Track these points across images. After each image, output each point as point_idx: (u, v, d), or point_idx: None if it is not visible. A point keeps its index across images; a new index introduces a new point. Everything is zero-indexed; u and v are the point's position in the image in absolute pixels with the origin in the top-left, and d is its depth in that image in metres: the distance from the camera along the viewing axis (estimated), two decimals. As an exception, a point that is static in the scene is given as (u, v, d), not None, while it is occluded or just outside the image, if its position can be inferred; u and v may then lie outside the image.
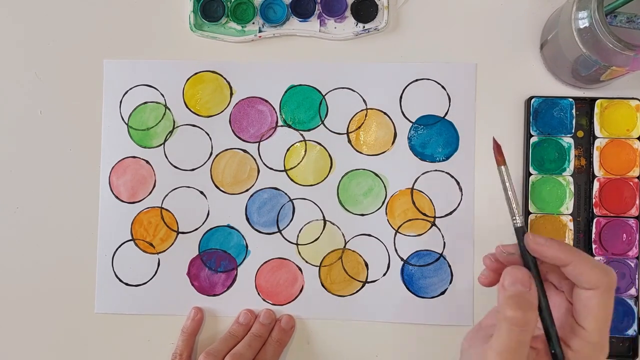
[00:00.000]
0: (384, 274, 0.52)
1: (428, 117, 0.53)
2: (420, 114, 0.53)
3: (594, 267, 0.34)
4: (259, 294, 0.53)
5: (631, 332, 0.50)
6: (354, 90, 0.53)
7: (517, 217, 0.37)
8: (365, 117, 0.53)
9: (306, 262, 0.53)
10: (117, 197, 0.54)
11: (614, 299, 0.34)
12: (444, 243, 0.52)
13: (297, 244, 0.53)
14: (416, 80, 0.53)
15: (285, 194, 0.53)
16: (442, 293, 0.52)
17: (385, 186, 0.53)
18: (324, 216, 0.53)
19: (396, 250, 0.52)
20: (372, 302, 0.52)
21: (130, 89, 0.54)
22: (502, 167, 0.38)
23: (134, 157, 0.54)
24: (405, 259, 0.52)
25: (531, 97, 0.51)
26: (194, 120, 0.54)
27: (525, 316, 0.33)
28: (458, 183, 0.52)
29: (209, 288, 0.53)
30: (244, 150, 0.54)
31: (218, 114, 0.54)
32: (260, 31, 0.53)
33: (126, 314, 0.53)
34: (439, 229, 0.52)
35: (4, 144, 0.54)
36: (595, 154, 0.51)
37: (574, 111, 0.51)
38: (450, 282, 0.52)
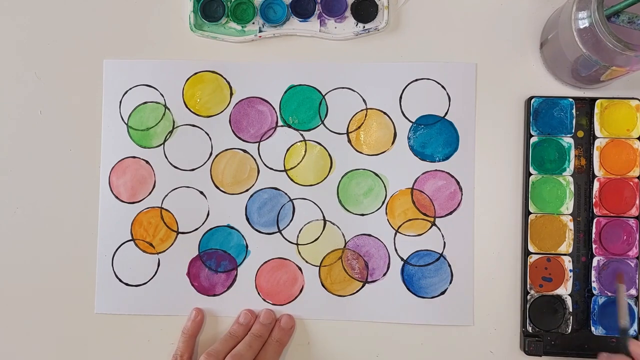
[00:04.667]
0: (384, 274, 0.52)
1: (428, 117, 0.53)
2: (420, 113, 0.53)
3: None
4: (259, 294, 0.53)
5: (631, 332, 0.50)
6: (354, 90, 0.53)
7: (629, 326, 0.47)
8: (365, 117, 0.53)
9: (306, 262, 0.53)
10: (117, 197, 0.54)
11: None
12: (444, 243, 0.52)
13: (297, 244, 0.53)
14: (416, 80, 0.53)
15: (285, 194, 0.53)
16: (442, 293, 0.52)
17: (385, 186, 0.53)
18: (324, 216, 0.53)
19: (396, 250, 0.52)
20: (372, 302, 0.52)
21: (130, 89, 0.54)
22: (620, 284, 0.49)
23: (133, 157, 0.54)
24: (405, 259, 0.52)
25: (531, 97, 0.51)
26: (194, 120, 0.54)
27: None
28: (458, 183, 0.52)
29: (209, 288, 0.53)
30: (244, 150, 0.54)
31: (218, 114, 0.54)
32: (260, 31, 0.53)
33: (126, 314, 0.53)
34: (439, 229, 0.52)
35: (4, 144, 0.54)
36: (595, 154, 0.51)
37: (574, 111, 0.51)
38: (450, 282, 0.52)
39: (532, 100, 0.51)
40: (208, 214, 0.53)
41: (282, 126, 0.53)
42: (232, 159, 0.54)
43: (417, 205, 0.53)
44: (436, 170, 0.53)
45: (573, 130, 0.51)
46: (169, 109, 0.54)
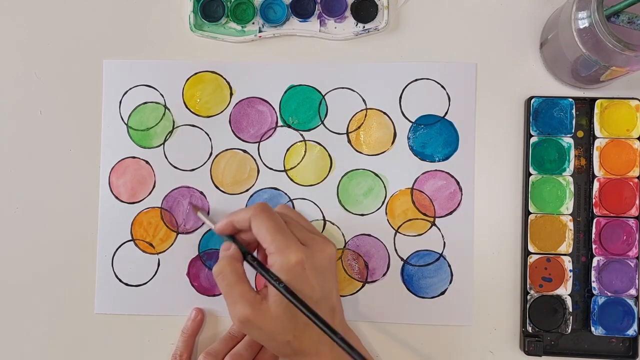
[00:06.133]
0: (384, 274, 0.52)
1: (428, 117, 0.53)
2: (420, 113, 0.53)
3: (240, 212, 0.46)
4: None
5: (631, 332, 0.50)
6: (353, 90, 0.53)
7: (213, 227, 0.49)
8: (365, 117, 0.53)
9: (306, 262, 0.53)
10: (117, 197, 0.54)
11: (268, 218, 0.44)
12: (444, 243, 0.52)
13: (297, 244, 0.53)
14: (416, 80, 0.53)
15: (285, 194, 0.53)
16: (442, 293, 0.52)
17: (385, 186, 0.53)
18: (324, 216, 0.53)
19: (396, 250, 0.52)
20: (372, 302, 0.52)
21: (130, 89, 0.54)
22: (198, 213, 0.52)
23: (133, 157, 0.54)
24: (405, 259, 0.52)
25: (531, 97, 0.51)
26: (194, 120, 0.54)
27: (218, 267, 0.45)
28: (458, 183, 0.52)
29: (208, 288, 0.53)
30: (244, 151, 0.54)
31: (218, 114, 0.54)
32: (260, 31, 0.53)
33: (126, 314, 0.53)
34: (439, 229, 0.52)
35: (4, 144, 0.54)
36: (595, 154, 0.51)
37: (574, 111, 0.51)
38: (450, 282, 0.52)
39: (532, 100, 0.51)
40: (208, 214, 0.53)
41: (282, 126, 0.53)
42: (232, 159, 0.54)
43: (417, 205, 0.53)
44: (436, 170, 0.53)
45: (573, 130, 0.51)
46: (169, 109, 0.54)
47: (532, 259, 0.51)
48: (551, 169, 0.51)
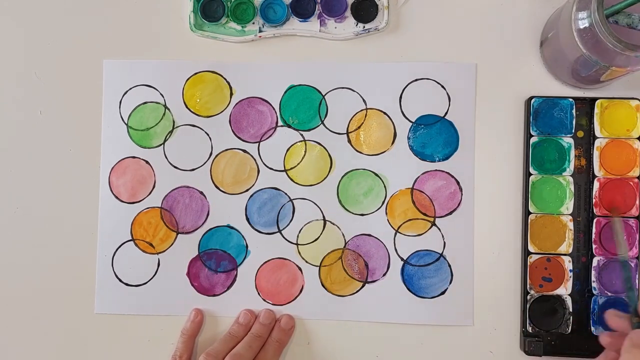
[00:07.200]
0: (384, 274, 0.52)
1: (428, 116, 0.53)
2: (420, 113, 0.53)
3: None
4: (259, 294, 0.53)
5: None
6: (353, 90, 0.53)
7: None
8: (365, 117, 0.53)
9: (306, 262, 0.53)
10: (117, 197, 0.54)
11: None
12: (444, 243, 0.52)
13: (297, 244, 0.53)
14: (416, 80, 0.53)
15: (285, 194, 0.53)
16: (442, 293, 0.52)
17: (385, 186, 0.53)
18: (324, 216, 0.53)
19: (396, 250, 0.52)
20: (372, 302, 0.52)
21: (130, 89, 0.54)
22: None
23: (133, 157, 0.54)
24: (405, 259, 0.52)
25: (531, 97, 0.51)
26: (194, 120, 0.54)
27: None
28: (458, 183, 0.52)
29: (208, 288, 0.53)
30: (244, 151, 0.54)
31: (218, 114, 0.54)
32: (260, 31, 0.53)
33: (126, 314, 0.53)
34: (439, 229, 0.52)
35: (4, 144, 0.54)
36: (595, 154, 0.51)
37: (574, 111, 0.51)
38: (450, 282, 0.52)
39: (532, 100, 0.51)
40: (208, 214, 0.53)
41: (282, 126, 0.53)
42: (232, 159, 0.54)
43: (417, 205, 0.53)
44: (436, 170, 0.53)
45: (573, 130, 0.51)
46: (169, 109, 0.54)
47: (532, 259, 0.51)
48: (551, 169, 0.51)
